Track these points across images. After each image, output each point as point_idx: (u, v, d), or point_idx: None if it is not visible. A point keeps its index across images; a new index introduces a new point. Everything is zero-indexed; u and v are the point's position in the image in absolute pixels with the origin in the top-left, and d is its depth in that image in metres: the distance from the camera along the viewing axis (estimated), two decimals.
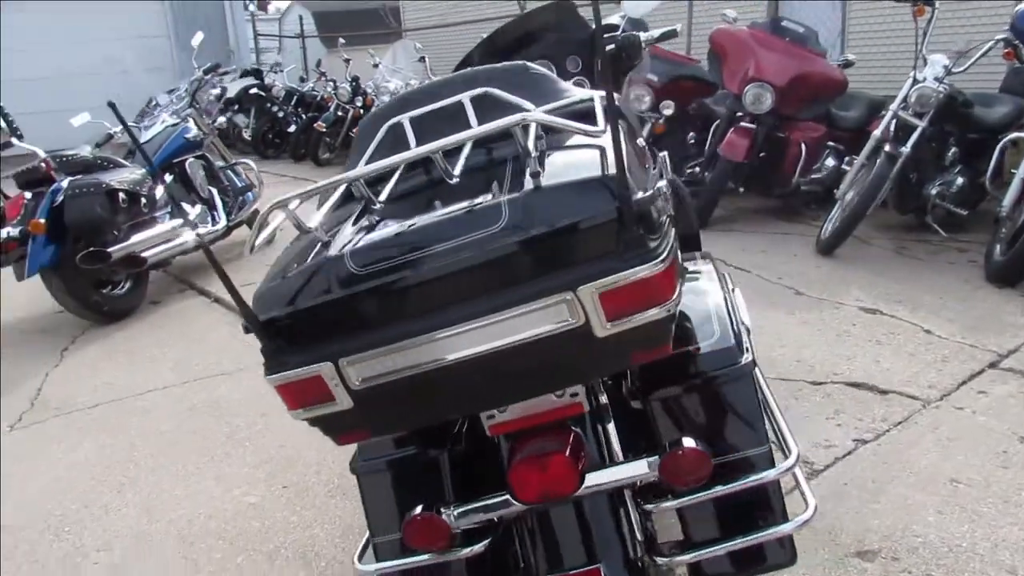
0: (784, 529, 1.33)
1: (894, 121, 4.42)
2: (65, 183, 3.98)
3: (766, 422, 1.43)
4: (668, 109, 5.76)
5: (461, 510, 1.37)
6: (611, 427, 1.45)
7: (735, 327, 1.49)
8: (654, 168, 2.54)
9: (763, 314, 3.59)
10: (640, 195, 1.06)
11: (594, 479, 1.31)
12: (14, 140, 3.93)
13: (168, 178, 4.89)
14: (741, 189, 5.40)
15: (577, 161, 1.20)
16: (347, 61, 9.12)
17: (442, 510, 1.37)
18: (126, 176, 4.26)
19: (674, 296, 1.08)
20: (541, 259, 1.07)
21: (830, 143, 5.38)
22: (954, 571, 1.87)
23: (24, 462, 2.88)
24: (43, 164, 4.00)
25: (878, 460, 2.37)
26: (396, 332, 1.10)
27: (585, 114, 1.48)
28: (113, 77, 10.94)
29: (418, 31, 11.96)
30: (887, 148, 4.31)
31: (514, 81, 1.48)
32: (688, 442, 1.30)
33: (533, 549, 1.38)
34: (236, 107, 10.31)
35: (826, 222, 4.62)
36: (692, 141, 6.09)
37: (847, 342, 3.24)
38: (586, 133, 1.15)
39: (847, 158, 5.14)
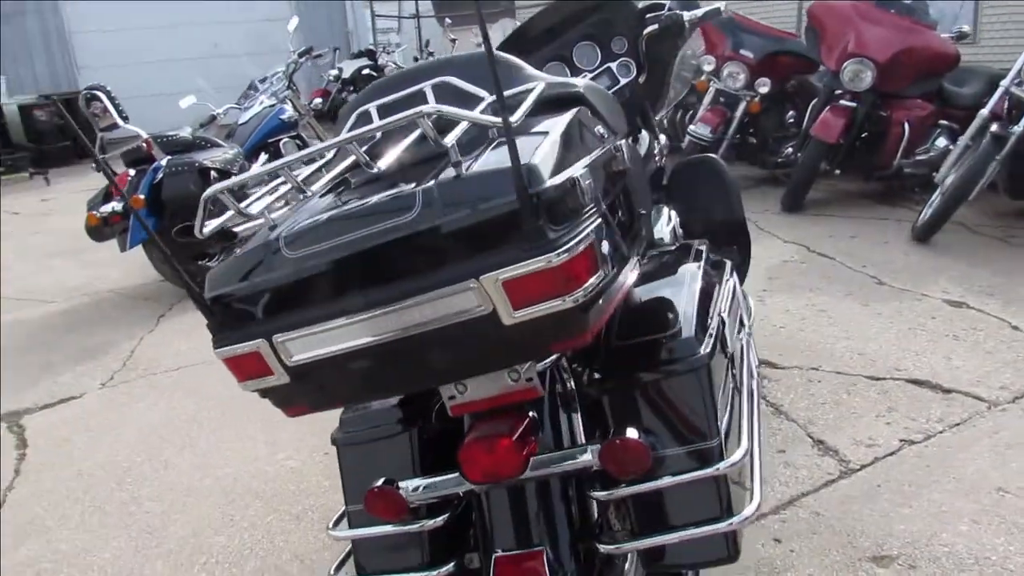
0: (720, 527, 1.29)
1: (1006, 98, 4.07)
2: (164, 162, 4.28)
3: (726, 415, 1.39)
4: (764, 87, 5.54)
5: (415, 485, 1.41)
6: (576, 414, 1.45)
7: (706, 319, 1.45)
8: (658, 152, 2.46)
9: (836, 304, 3.43)
10: (546, 185, 1.05)
11: (539, 464, 1.31)
12: (120, 122, 4.25)
13: (263, 157, 5.15)
14: (837, 171, 5.12)
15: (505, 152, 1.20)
16: (453, 41, 9.25)
17: (400, 484, 1.42)
18: (219, 155, 4.53)
19: (585, 286, 1.07)
20: (448, 247, 1.08)
21: (942, 122, 5.00)
22: None
23: (108, 417, 3.15)
24: (144, 144, 4.32)
25: (921, 463, 2.22)
26: (318, 314, 1.14)
27: (560, 101, 1.47)
28: (224, 61, 11.56)
29: (530, 7, 11.95)
30: (994, 128, 3.98)
31: (479, 70, 1.48)
32: (630, 433, 1.28)
33: (484, 527, 1.40)
34: (352, 88, 10.70)
35: (925, 207, 4.32)
36: (791, 120, 5.83)
37: (919, 336, 3.03)
38: (484, 123, 1.15)
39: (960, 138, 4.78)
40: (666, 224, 2.34)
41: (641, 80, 2.47)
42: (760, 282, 3.78)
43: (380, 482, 1.43)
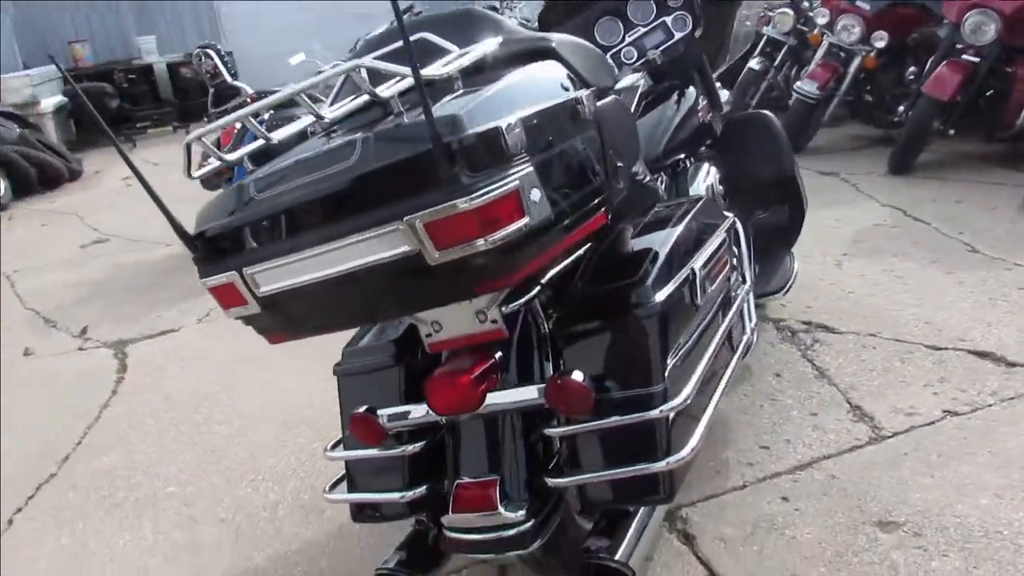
0: (655, 467, 1.33)
1: None
2: (266, 116, 4.56)
3: (679, 363, 1.41)
4: (880, 41, 5.21)
5: (391, 413, 1.53)
6: (548, 357, 1.51)
7: (671, 271, 1.47)
8: (702, 109, 2.39)
9: (917, 271, 3.25)
10: (465, 134, 1.11)
11: (492, 399, 1.40)
12: (228, 78, 4.57)
13: None
14: (951, 132, 4.77)
15: (446, 103, 1.26)
16: None
17: (379, 412, 1.54)
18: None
19: (504, 231, 1.12)
20: (379, 191, 1.16)
21: None
22: (978, 556, 1.68)
23: (198, 349, 3.47)
24: (248, 99, 4.61)
25: (959, 434, 2.12)
26: (276, 250, 1.26)
27: (532, 55, 1.51)
28: (339, 23, 11.82)
29: None
30: None
31: (457, 26, 1.53)
32: (574, 374, 1.34)
33: (452, 456, 1.50)
34: None
35: None
36: (911, 77, 5.45)
37: (998, 308, 2.84)
38: (398, 74, 1.21)
39: None
40: (703, 179, 2.31)
41: (697, 35, 2.42)
42: (841, 245, 3.62)
43: (362, 409, 1.56)
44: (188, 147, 1.36)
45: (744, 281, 1.92)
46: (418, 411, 1.50)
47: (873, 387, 2.41)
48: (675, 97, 2.39)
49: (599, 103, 1.47)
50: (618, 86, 2.41)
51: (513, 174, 1.15)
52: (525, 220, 1.16)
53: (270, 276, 1.29)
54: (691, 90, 2.43)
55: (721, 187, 2.36)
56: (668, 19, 2.40)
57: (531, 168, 1.18)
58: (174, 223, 1.35)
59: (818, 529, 1.84)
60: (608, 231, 1.54)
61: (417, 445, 1.53)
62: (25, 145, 7.68)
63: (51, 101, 9.43)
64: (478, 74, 1.44)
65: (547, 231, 1.23)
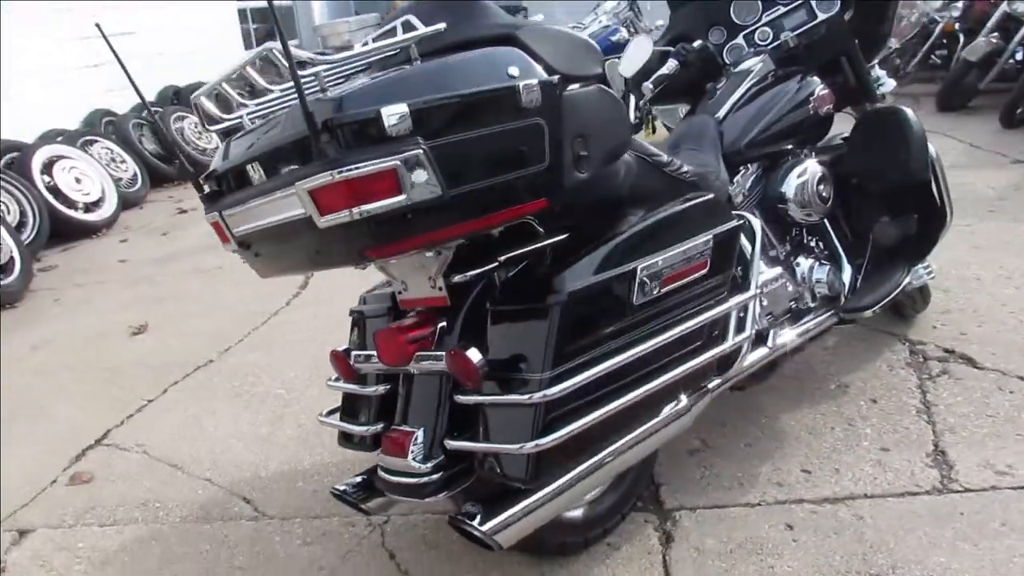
0: (512, 448, 1.34)
1: None
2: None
3: (581, 358, 1.39)
4: None
5: (355, 355, 1.70)
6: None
7: (606, 264, 1.46)
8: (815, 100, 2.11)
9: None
10: (340, 115, 1.19)
11: (419, 359, 1.50)
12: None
13: None
14: None
15: (357, 83, 1.34)
16: None
17: (351, 352, 1.72)
18: None
19: (376, 205, 1.18)
20: (288, 159, 1.29)
21: None
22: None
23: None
24: None
25: None
26: (236, 199, 1.45)
27: (495, 40, 1.50)
28: None
29: None
30: None
31: (448, 11, 1.55)
32: (469, 350, 1.40)
33: (398, 403, 1.62)
34: None
35: None
36: None
37: None
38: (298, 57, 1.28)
39: None
40: (796, 177, 2.10)
41: (847, 17, 2.18)
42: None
43: (340, 348, 1.75)
44: (196, 106, 1.58)
45: (746, 289, 1.75)
46: (370, 357, 1.64)
47: (977, 435, 2.06)
48: (788, 86, 2.18)
49: (568, 91, 1.43)
50: (735, 70, 2.26)
51: (393, 155, 1.19)
52: (401, 198, 1.20)
53: (235, 220, 1.48)
54: (812, 80, 2.19)
55: (821, 188, 2.11)
56: None
57: (420, 151, 1.21)
58: (184, 167, 1.60)
59: (803, 566, 1.68)
60: (590, 217, 1.53)
61: (382, 388, 1.68)
62: None
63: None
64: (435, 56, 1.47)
65: (444, 209, 1.26)
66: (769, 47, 2.28)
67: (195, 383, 2.96)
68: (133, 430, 2.66)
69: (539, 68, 1.40)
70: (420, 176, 1.23)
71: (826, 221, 2.29)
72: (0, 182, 4.54)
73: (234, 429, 2.57)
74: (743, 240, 1.80)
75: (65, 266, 4.79)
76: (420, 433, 1.51)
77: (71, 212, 4.93)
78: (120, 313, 3.86)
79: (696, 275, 1.59)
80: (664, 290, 1.52)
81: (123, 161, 5.83)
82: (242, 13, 9.74)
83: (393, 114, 1.21)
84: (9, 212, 4.60)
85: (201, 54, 7.79)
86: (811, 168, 2.13)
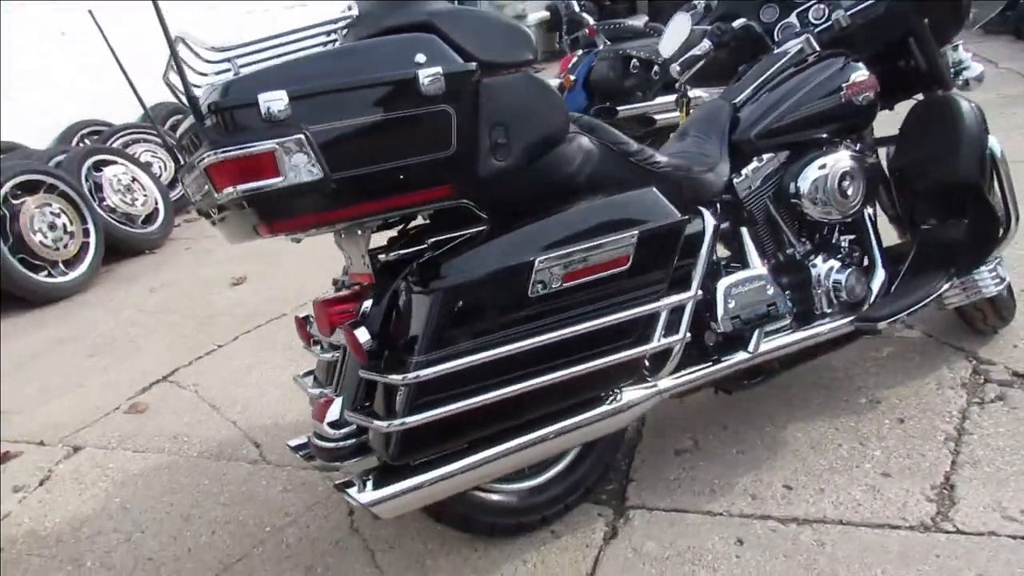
0: (377, 424, 1.37)
1: None
2: (600, 48, 4.76)
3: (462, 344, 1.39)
4: None
5: (310, 322, 1.79)
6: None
7: (502, 256, 1.46)
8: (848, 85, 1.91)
9: None
10: (218, 100, 1.24)
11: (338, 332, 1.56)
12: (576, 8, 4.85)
13: None
14: None
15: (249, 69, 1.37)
16: None
17: (309, 319, 1.82)
18: (646, 43, 4.78)
19: (251, 185, 1.24)
20: (200, 139, 1.35)
21: None
22: None
23: None
24: (587, 30, 4.84)
25: None
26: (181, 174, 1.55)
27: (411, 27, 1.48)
28: None
29: None
30: None
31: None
32: (359, 328, 1.44)
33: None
34: None
35: None
36: None
37: None
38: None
39: None
40: (815, 171, 1.92)
41: None
42: None
43: (302, 315, 1.85)
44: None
45: (685, 290, 1.63)
46: (314, 325, 1.72)
47: (1002, 473, 1.81)
48: (819, 69, 1.98)
49: (488, 79, 1.39)
50: (774, 53, 2.08)
51: (271, 138, 1.24)
52: (279, 179, 1.25)
53: (189, 191, 1.58)
54: (850, 63, 1.97)
55: (845, 184, 1.90)
56: None
57: (301, 136, 1.25)
58: (164, 141, 1.73)
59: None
60: (533, 204, 1.52)
61: (328, 355, 1.75)
62: None
63: (536, 16, 10.71)
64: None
65: (331, 192, 1.30)
66: (821, 27, 2.08)
67: (263, 333, 3.21)
68: (195, 371, 2.94)
69: (453, 55, 1.38)
70: (300, 159, 1.27)
71: (868, 219, 2.08)
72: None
73: (274, 379, 2.76)
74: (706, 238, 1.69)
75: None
76: (339, 401, 1.56)
77: None
78: (230, 265, 4.23)
79: (612, 272, 1.51)
80: (568, 285, 1.47)
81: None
82: None
83: (271, 100, 1.25)
84: (165, 170, 5.15)
85: None
86: (836, 162, 1.93)
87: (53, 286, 4.21)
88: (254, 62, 1.46)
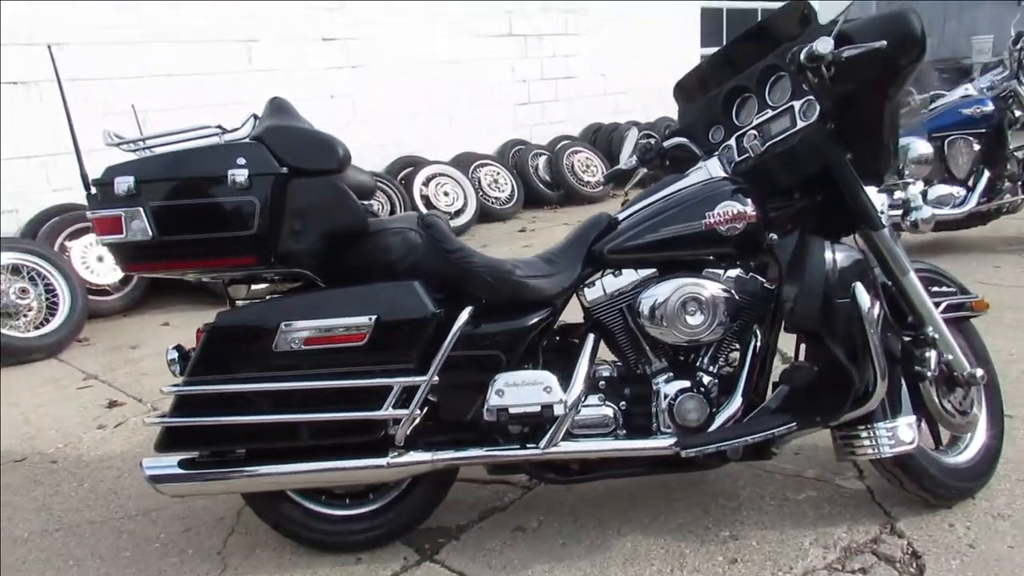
0: (152, 420, 1.87)
1: None
2: None
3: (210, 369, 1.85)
4: None
5: None
6: None
7: (262, 316, 1.89)
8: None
9: None
10: (94, 178, 1.79)
11: None
12: None
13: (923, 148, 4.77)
14: None
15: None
16: None
17: None
18: None
19: (107, 238, 1.78)
20: None
21: None
22: None
23: None
24: None
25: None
26: None
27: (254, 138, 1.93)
28: None
29: None
30: None
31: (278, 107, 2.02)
32: (174, 346, 1.95)
33: None
34: None
35: None
36: None
37: None
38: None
39: None
40: (656, 292, 1.98)
41: (830, 126, 1.94)
42: None
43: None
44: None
45: (422, 373, 1.85)
46: None
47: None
48: (688, 193, 2.04)
49: (297, 180, 1.80)
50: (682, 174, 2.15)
51: (120, 207, 1.77)
52: (122, 236, 1.78)
53: None
54: (721, 192, 1.98)
55: (688, 308, 1.91)
56: (797, 104, 1.99)
57: (139, 207, 1.77)
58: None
59: None
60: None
61: None
62: None
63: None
64: None
65: (159, 248, 1.79)
66: (741, 157, 2.11)
67: None
68: None
69: (272, 161, 1.81)
70: (137, 224, 1.81)
71: (752, 346, 2.05)
72: (383, 185, 6.09)
73: None
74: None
75: None
76: None
77: None
78: None
79: (348, 344, 1.82)
80: (307, 348, 1.82)
81: (506, 183, 7.06)
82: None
83: (122, 182, 1.79)
84: (382, 208, 6.07)
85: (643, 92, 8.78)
86: (684, 287, 1.96)
87: None
88: (163, 144, 1.99)
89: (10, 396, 3.49)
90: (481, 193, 6.87)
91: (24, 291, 4.02)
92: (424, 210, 6.31)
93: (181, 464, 1.96)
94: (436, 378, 1.88)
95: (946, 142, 4.76)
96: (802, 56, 1.80)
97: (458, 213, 6.53)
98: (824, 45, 1.77)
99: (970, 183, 4.74)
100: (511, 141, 7.71)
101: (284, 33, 5.96)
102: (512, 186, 7.14)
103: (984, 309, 2.26)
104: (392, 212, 6.16)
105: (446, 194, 6.52)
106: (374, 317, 1.83)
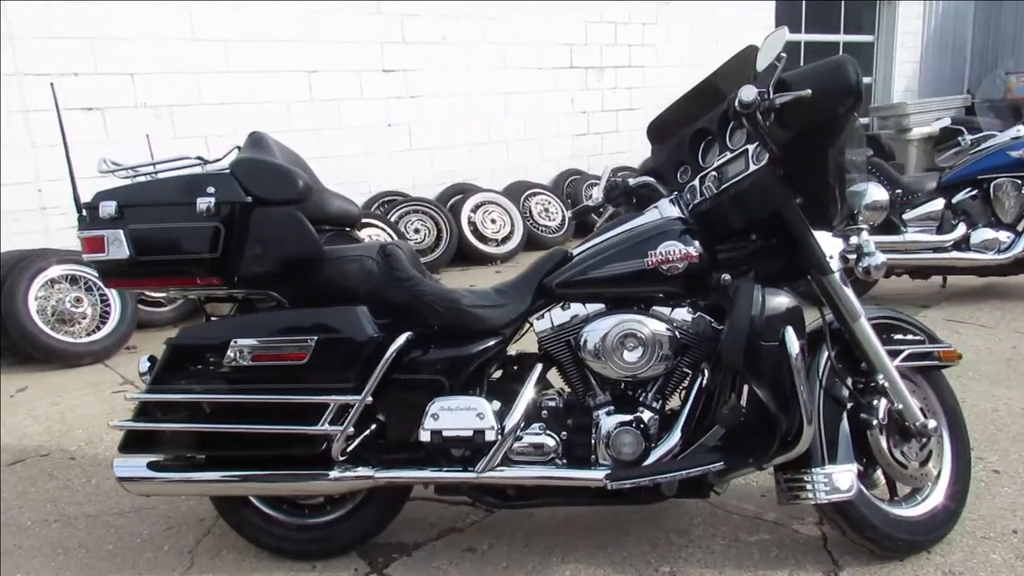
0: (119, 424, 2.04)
1: None
2: None
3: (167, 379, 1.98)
4: None
5: None
6: None
7: (218, 332, 2.06)
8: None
9: None
10: (87, 201, 2.01)
11: None
12: None
13: (967, 192, 4.62)
14: None
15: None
16: None
17: None
18: None
19: (92, 256, 1.99)
20: None
21: None
22: None
23: None
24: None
25: None
26: None
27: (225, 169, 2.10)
28: None
29: None
30: None
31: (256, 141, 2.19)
32: (145, 355, 2.13)
33: None
34: None
35: None
36: None
37: None
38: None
39: None
40: (597, 327, 2.04)
41: (780, 172, 1.97)
42: None
43: None
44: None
45: (356, 392, 1.96)
46: None
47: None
48: (633, 233, 2.09)
49: (260, 209, 1.95)
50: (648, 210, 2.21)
51: (104, 229, 1.96)
52: (102, 255, 1.98)
53: None
54: (667, 233, 2.04)
55: (626, 344, 1.96)
56: (751, 147, 2.02)
57: (120, 230, 1.95)
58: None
59: None
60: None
61: None
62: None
63: (922, 130, 9.62)
64: None
65: (135, 267, 1.97)
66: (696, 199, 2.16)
67: None
68: None
69: (239, 191, 1.98)
70: (117, 244, 2.01)
71: (697, 382, 2.08)
72: (430, 211, 6.29)
73: None
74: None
75: (448, 278, 6.24)
76: None
77: (477, 243, 6.43)
78: None
79: (291, 362, 1.95)
80: (255, 363, 1.96)
81: (556, 212, 7.15)
82: None
83: (106, 206, 2.00)
84: (425, 235, 6.21)
85: None
86: (623, 323, 2.01)
87: None
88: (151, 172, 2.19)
89: (55, 396, 3.80)
90: (531, 221, 6.98)
91: (79, 300, 4.35)
92: (471, 237, 6.50)
93: (149, 466, 2.13)
94: (370, 398, 1.99)
95: (992, 184, 4.59)
96: (736, 104, 1.85)
97: (505, 240, 6.66)
98: (748, 93, 1.81)
99: (1019, 228, 4.55)
100: (567, 171, 7.81)
101: (344, 64, 6.26)
102: (563, 215, 7.24)
103: (954, 359, 2.21)
104: (439, 238, 6.34)
105: (493, 221, 6.66)
106: (315, 338, 1.97)
